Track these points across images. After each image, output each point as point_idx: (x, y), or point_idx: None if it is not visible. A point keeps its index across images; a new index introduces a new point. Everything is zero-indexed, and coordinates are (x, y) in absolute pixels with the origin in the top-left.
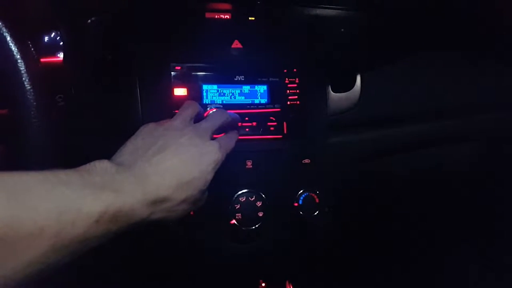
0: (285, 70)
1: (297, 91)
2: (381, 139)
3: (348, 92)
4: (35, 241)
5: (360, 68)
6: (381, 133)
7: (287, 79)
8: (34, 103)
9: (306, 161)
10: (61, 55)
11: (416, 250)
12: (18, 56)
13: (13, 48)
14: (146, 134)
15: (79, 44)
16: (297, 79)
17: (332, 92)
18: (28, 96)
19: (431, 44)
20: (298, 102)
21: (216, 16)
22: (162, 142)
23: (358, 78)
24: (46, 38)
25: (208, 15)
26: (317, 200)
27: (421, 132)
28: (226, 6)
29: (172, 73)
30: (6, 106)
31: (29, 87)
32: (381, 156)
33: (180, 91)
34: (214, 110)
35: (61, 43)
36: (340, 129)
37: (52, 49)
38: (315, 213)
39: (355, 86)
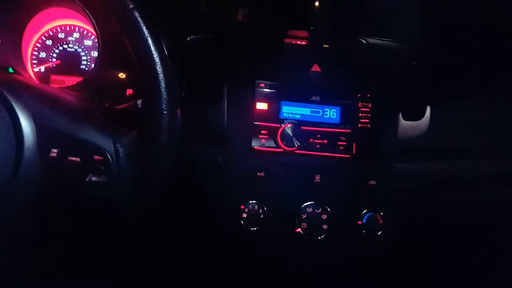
0: (359, 95)
1: (369, 115)
2: (449, 170)
3: (418, 121)
4: None
5: (431, 99)
6: (449, 164)
7: (360, 103)
8: (167, 97)
9: (372, 182)
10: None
11: (476, 275)
12: (157, 54)
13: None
14: None
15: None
16: (370, 103)
17: (402, 119)
18: (162, 89)
19: (503, 79)
20: (368, 126)
21: (293, 42)
22: None
23: (429, 108)
24: None
25: (286, 40)
26: (380, 221)
27: (491, 167)
28: (303, 33)
29: (256, 89)
30: (144, 96)
31: (164, 82)
32: (448, 186)
33: (261, 105)
34: (289, 125)
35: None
36: (407, 156)
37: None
38: (378, 233)
39: (425, 116)
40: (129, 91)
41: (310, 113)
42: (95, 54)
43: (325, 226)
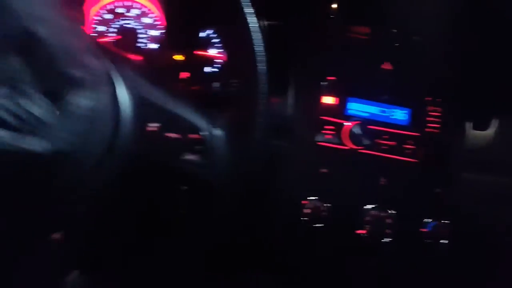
0: (429, 98)
1: (439, 120)
2: None
3: (486, 131)
4: None
5: (501, 109)
6: None
7: (431, 107)
8: (265, 83)
9: (438, 190)
10: (210, 51)
11: None
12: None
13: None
14: None
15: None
16: (440, 108)
17: (471, 128)
18: (260, 75)
19: None
20: (438, 131)
21: (359, 37)
22: None
23: (498, 119)
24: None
25: (352, 35)
26: (445, 230)
27: None
28: (366, 30)
29: (323, 83)
30: (241, 81)
31: (262, 67)
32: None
33: (327, 100)
34: (357, 123)
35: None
36: (474, 166)
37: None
38: (442, 242)
39: (494, 127)
40: (184, 74)
41: (378, 112)
42: (153, 33)
43: (388, 231)
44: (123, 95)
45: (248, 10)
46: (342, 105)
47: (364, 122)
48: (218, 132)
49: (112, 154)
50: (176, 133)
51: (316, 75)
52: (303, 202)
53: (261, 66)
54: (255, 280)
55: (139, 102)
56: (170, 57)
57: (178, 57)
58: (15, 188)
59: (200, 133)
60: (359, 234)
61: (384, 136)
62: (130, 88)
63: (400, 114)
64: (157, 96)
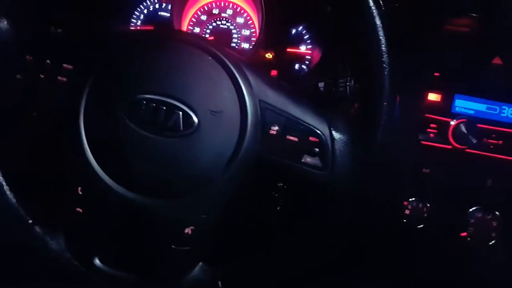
0: None
1: None
2: None
3: None
4: None
5: None
6: None
7: None
8: (390, 81)
9: None
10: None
11: None
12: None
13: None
14: None
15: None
16: None
17: None
18: (387, 72)
19: None
20: None
21: (457, 29)
22: None
23: None
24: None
25: (449, 27)
26: None
27: None
28: (466, 21)
29: (429, 79)
30: (365, 79)
31: (389, 65)
32: None
33: (433, 97)
34: (463, 121)
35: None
36: None
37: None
38: None
39: None
40: (274, 72)
41: (486, 109)
42: (245, 32)
43: (494, 234)
44: (249, 99)
45: None
46: (448, 102)
47: (471, 120)
48: (338, 134)
49: (238, 158)
50: (296, 136)
51: (421, 71)
52: (404, 202)
53: (385, 61)
54: (356, 283)
55: (263, 106)
56: (263, 55)
57: (270, 55)
58: None
59: (321, 136)
60: (463, 236)
61: (492, 135)
62: (256, 91)
63: (510, 112)
64: (279, 99)
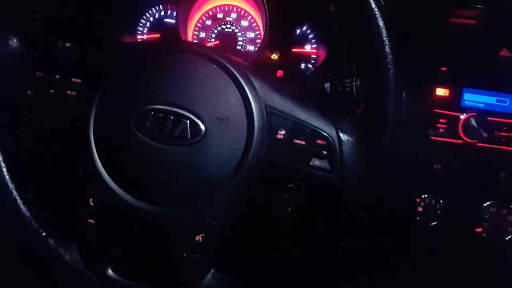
0: None
1: None
2: None
3: None
4: None
5: None
6: None
7: None
8: (396, 81)
9: None
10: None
11: None
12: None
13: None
14: None
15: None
16: None
17: None
18: (392, 72)
19: None
20: None
21: (461, 22)
22: None
23: None
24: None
25: (453, 20)
26: None
27: None
28: (471, 13)
29: (437, 73)
30: (371, 80)
31: (395, 65)
32: None
33: (441, 91)
34: (473, 115)
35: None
36: None
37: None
38: None
39: None
40: (280, 73)
41: (496, 102)
42: (250, 35)
43: (510, 228)
44: (255, 104)
45: None
46: (457, 97)
47: (481, 113)
48: (345, 136)
49: (247, 163)
50: (304, 139)
51: (428, 65)
52: (417, 199)
53: (389, 61)
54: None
55: (270, 111)
56: (268, 56)
57: (275, 56)
58: None
59: (328, 138)
60: (478, 232)
61: (503, 128)
62: (261, 96)
63: None
64: (285, 104)
